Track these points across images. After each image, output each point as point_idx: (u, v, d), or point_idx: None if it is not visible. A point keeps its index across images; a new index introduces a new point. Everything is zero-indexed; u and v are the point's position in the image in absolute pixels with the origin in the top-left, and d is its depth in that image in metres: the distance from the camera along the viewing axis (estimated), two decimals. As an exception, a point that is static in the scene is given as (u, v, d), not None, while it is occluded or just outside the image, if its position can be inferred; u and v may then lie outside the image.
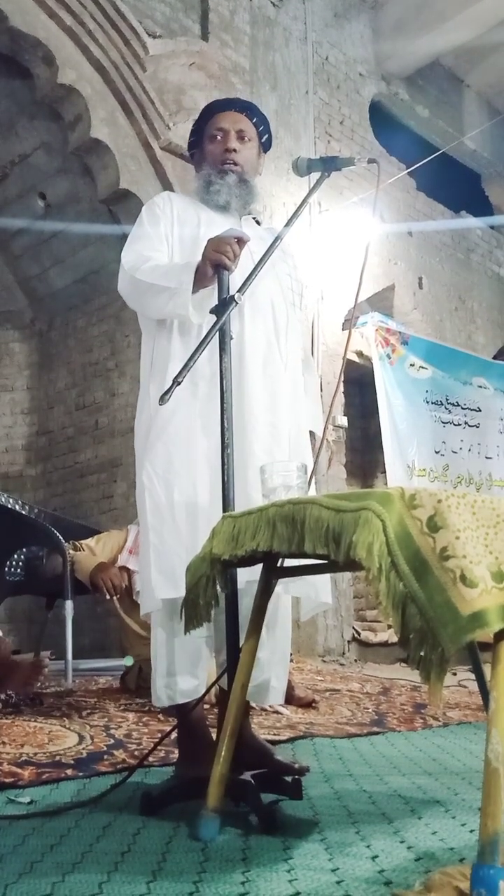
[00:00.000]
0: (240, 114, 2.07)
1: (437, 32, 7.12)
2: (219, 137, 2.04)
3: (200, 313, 1.82)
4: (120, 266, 1.97)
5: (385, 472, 5.82)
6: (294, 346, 2.04)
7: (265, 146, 2.15)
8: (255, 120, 2.09)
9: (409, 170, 7.04)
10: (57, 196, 5.80)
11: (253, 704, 2.21)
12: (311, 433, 2.12)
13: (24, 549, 3.99)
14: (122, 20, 5.04)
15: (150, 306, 1.93)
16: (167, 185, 5.20)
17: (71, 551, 3.47)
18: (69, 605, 3.45)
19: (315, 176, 1.95)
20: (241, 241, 1.79)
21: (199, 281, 1.79)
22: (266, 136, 2.14)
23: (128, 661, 3.17)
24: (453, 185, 8.16)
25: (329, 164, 1.94)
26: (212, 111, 2.09)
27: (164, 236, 1.99)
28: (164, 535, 1.81)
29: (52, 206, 5.87)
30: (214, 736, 1.75)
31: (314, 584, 1.88)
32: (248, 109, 2.10)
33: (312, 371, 2.26)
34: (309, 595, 1.91)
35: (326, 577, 1.92)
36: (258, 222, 2.12)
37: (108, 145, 5.05)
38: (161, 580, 1.78)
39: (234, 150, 2.02)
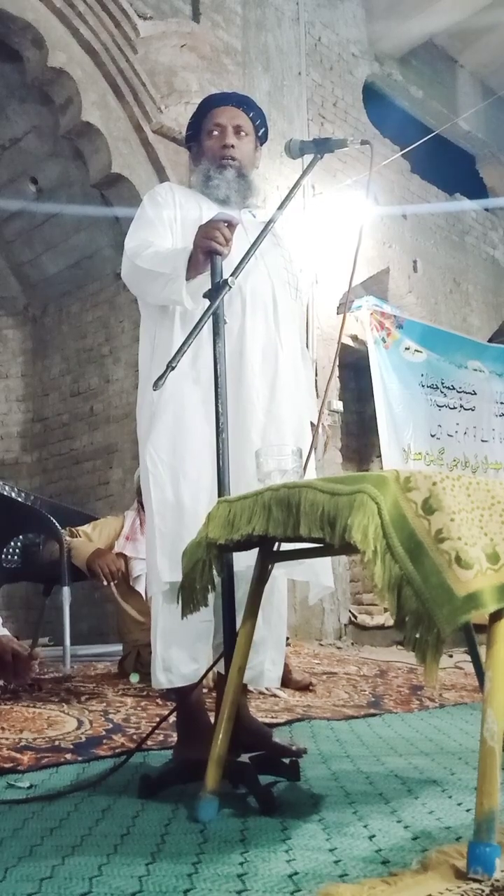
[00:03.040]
0: (237, 108, 2.08)
1: (430, 12, 7.06)
2: (216, 133, 2.05)
3: (196, 299, 1.82)
4: (123, 253, 1.96)
5: (381, 456, 5.83)
6: (293, 336, 2.04)
7: (262, 139, 2.16)
8: (251, 114, 2.10)
9: (403, 152, 7.00)
10: (48, 180, 5.76)
11: (250, 688, 2.23)
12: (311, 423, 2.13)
13: (21, 536, 3.99)
14: (112, 2, 4.98)
15: (148, 292, 1.94)
16: (159, 169, 5.15)
17: (68, 538, 3.48)
18: (66, 591, 3.46)
19: (308, 158, 1.94)
20: (231, 225, 1.78)
21: (193, 269, 1.78)
22: (263, 129, 2.15)
23: (134, 678, 3.20)
24: (447, 167, 8.12)
25: (321, 146, 1.93)
26: (209, 106, 2.10)
27: (168, 222, 1.99)
28: (167, 519, 1.82)
29: (43, 190, 5.83)
30: (212, 719, 1.76)
31: (314, 568, 1.89)
32: (245, 104, 2.11)
33: (308, 364, 2.27)
34: (310, 579, 1.92)
35: (327, 560, 1.93)
36: (254, 215, 2.12)
37: (100, 129, 5.00)
38: (166, 563, 1.79)
39: (232, 146, 2.03)
